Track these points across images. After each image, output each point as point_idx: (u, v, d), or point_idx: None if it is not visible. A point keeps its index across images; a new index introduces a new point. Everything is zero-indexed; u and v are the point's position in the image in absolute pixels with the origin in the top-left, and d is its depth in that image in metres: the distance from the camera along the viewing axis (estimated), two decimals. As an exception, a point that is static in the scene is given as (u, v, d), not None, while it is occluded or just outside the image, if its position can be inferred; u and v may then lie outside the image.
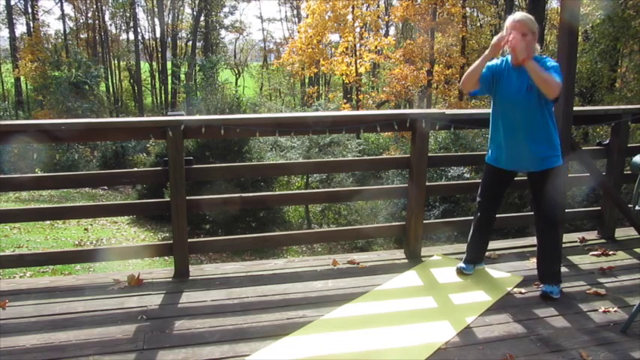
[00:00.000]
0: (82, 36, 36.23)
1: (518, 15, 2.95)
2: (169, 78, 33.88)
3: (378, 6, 26.08)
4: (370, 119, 3.72)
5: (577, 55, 3.62)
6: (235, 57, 42.93)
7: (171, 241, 3.40)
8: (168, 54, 35.62)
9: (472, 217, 3.49)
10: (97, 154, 21.52)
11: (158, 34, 35.41)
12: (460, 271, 3.44)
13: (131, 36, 36.82)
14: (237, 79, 40.86)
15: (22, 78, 29.34)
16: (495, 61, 3.12)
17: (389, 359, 2.53)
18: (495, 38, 2.99)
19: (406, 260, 3.72)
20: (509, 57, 3.07)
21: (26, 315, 2.88)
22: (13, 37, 30.36)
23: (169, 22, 35.88)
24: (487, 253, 3.78)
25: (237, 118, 3.41)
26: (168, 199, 3.34)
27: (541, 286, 3.18)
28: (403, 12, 21.84)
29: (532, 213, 3.31)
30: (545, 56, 2.99)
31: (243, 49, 44.49)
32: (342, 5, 22.12)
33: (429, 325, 2.81)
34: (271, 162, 12.56)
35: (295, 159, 15.40)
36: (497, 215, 3.42)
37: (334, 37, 26.21)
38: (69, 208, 5.08)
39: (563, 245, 3.84)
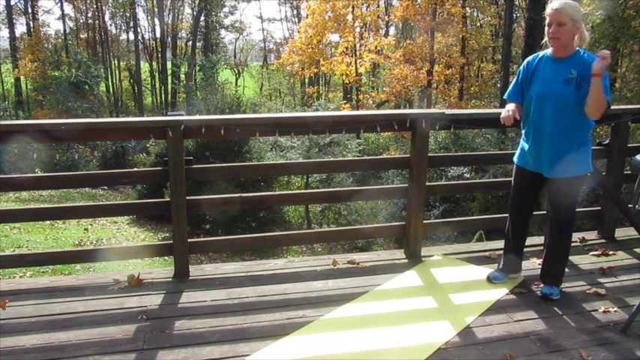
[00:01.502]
0: (82, 36, 36.27)
1: (557, 3, 2.79)
2: (169, 78, 33.90)
3: (378, 6, 26.11)
4: (370, 119, 3.71)
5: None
6: (235, 57, 42.95)
7: (171, 241, 3.40)
8: (169, 54, 35.63)
9: (472, 217, 3.48)
10: (97, 154, 21.54)
11: (158, 34, 35.44)
12: (489, 280, 3.29)
13: (131, 36, 36.89)
14: (237, 79, 40.88)
15: (22, 78, 29.36)
16: (529, 60, 3.04)
17: (389, 359, 2.53)
18: (505, 113, 2.97)
19: (406, 260, 3.72)
20: (548, 51, 2.97)
21: (26, 315, 2.88)
22: (13, 37, 30.37)
23: (169, 22, 35.89)
24: (487, 253, 3.78)
25: (237, 118, 3.40)
26: (169, 199, 3.34)
27: (541, 286, 3.18)
28: (403, 12, 21.87)
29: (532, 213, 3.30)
30: (588, 54, 2.86)
31: (243, 49, 44.52)
32: (342, 5, 22.14)
33: (429, 325, 2.81)
34: (271, 162, 12.57)
35: (295, 159, 15.41)
36: (498, 215, 3.36)
37: (334, 37, 26.27)
38: (69, 208, 5.07)
39: (563, 245, 3.85)
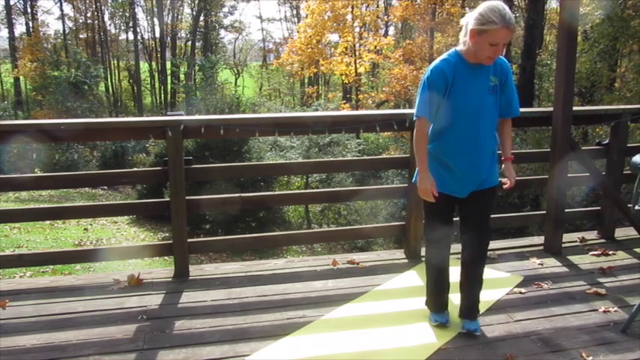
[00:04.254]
0: (81, 36, 36.20)
1: (508, 17, 2.30)
2: (169, 78, 33.89)
3: (378, 6, 26.12)
4: (370, 119, 3.71)
5: (577, 55, 3.63)
6: (235, 57, 42.92)
7: (171, 241, 3.40)
8: (168, 54, 35.60)
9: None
10: (97, 154, 21.53)
11: (157, 34, 35.42)
12: (443, 326, 2.76)
13: (130, 36, 36.85)
14: (236, 79, 40.84)
15: (21, 78, 29.36)
16: (443, 68, 2.46)
17: (389, 359, 2.53)
18: (424, 188, 2.51)
19: (406, 260, 3.72)
20: (458, 49, 2.51)
21: (26, 315, 2.88)
22: (12, 37, 30.35)
23: (169, 22, 35.87)
24: (487, 253, 3.77)
25: (237, 118, 3.41)
26: (168, 199, 3.34)
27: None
28: (402, 12, 21.84)
29: (532, 213, 3.28)
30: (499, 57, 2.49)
31: (243, 49, 44.48)
32: (342, 5, 22.12)
33: (429, 325, 2.80)
34: (271, 162, 12.57)
35: (295, 159, 15.41)
36: (498, 215, 3.09)
37: (334, 37, 26.23)
38: (68, 208, 5.08)
39: (564, 245, 3.85)
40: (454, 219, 2.76)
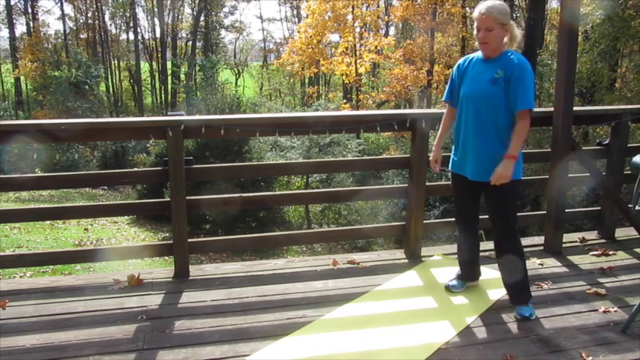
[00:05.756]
0: (82, 36, 36.23)
1: (484, 7, 2.68)
2: (169, 78, 33.89)
3: (378, 6, 26.10)
4: (370, 119, 3.72)
5: (577, 55, 3.62)
6: (235, 57, 42.93)
7: (171, 241, 3.40)
8: (168, 54, 35.61)
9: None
10: (97, 154, 21.54)
11: (158, 34, 35.42)
12: (448, 289, 3.18)
13: (131, 36, 36.85)
14: (237, 79, 40.85)
15: (22, 78, 29.35)
16: (460, 62, 2.96)
17: (389, 359, 2.53)
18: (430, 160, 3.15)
19: (406, 260, 3.72)
20: (479, 54, 2.85)
21: (26, 315, 2.88)
22: (13, 37, 30.38)
23: (169, 22, 35.87)
24: (487, 254, 3.78)
25: (237, 118, 3.41)
26: (169, 199, 3.34)
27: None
28: (403, 12, 21.86)
29: (532, 213, 3.28)
30: (516, 55, 2.74)
31: (243, 49, 44.50)
32: (342, 5, 22.12)
33: (429, 325, 2.81)
34: (271, 162, 12.57)
35: (295, 159, 15.41)
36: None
37: (334, 37, 26.25)
38: (68, 208, 5.08)
39: (564, 245, 3.85)
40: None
